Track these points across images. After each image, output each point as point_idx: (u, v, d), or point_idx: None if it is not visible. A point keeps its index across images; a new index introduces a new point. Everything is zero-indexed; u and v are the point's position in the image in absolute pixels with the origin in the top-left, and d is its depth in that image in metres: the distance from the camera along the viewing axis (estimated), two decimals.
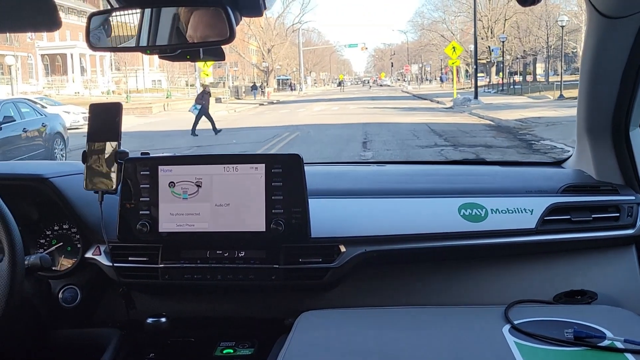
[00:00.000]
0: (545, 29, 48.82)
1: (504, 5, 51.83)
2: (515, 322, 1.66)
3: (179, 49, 1.62)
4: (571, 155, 2.59)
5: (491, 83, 49.38)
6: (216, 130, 20.96)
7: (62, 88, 49.33)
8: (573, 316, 1.69)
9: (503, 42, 42.50)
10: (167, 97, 45.23)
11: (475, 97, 30.96)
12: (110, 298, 2.31)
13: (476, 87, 32.41)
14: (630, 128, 2.19)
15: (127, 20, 1.61)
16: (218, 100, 44.53)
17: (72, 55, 52.83)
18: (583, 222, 2.16)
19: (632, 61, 1.98)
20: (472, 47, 42.16)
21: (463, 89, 43.47)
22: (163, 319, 2.11)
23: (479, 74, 63.22)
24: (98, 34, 1.62)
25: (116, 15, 1.63)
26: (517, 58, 47.16)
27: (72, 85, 51.38)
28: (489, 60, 55.13)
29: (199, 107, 21.96)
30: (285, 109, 36.45)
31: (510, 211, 2.16)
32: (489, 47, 53.65)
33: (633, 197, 2.19)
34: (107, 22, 1.63)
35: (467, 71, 56.97)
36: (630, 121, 2.17)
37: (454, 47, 33.64)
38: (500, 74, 48.80)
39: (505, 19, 52.02)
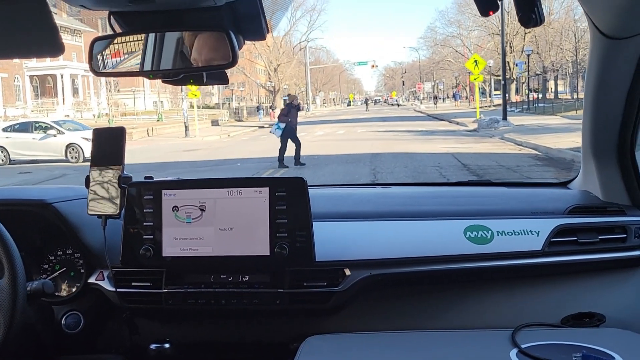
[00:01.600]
0: (573, 41, 43.15)
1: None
2: (523, 346, 1.66)
3: (181, 73, 1.62)
4: (577, 176, 2.58)
5: (511, 101, 43.85)
6: (299, 161, 16.60)
7: (52, 111, 47.40)
8: (581, 339, 1.70)
9: (529, 55, 37.29)
10: (158, 120, 40.19)
11: (504, 117, 25.58)
12: (114, 324, 2.32)
13: (505, 106, 27.72)
14: (636, 148, 2.20)
15: (131, 45, 1.61)
16: (215, 123, 42.54)
17: (62, 75, 50.79)
18: (590, 243, 2.15)
19: (636, 82, 2.00)
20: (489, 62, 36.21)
21: (481, 107, 38.34)
22: (167, 345, 2.12)
23: (494, 92, 57.68)
24: (101, 59, 1.62)
25: (119, 40, 1.63)
26: (537, 74, 41.35)
27: (63, 107, 48.95)
28: (508, 76, 49.60)
29: (283, 126, 17.07)
30: None
31: (517, 233, 2.15)
32: (508, 62, 48.06)
33: None
34: (110, 47, 1.63)
35: (482, 88, 51.25)
36: (635, 141, 2.18)
37: (476, 61, 28.08)
38: (525, 90, 43.33)
39: (525, 32, 46.85)
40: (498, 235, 2.16)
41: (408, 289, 2.24)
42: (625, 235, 2.18)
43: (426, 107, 63.75)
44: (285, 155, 16.63)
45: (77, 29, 54.41)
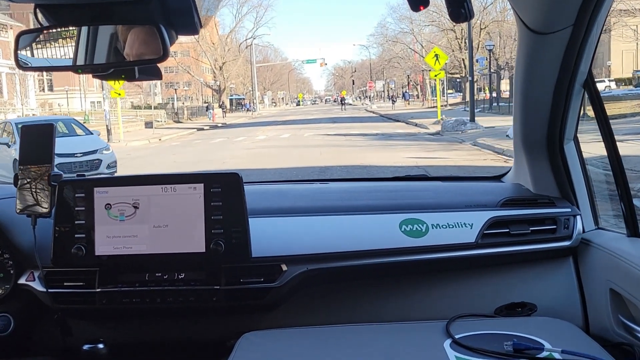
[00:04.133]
0: None
1: (479, 11, 42.81)
2: (457, 337, 1.73)
3: (111, 68, 1.59)
4: (510, 169, 2.66)
5: (466, 100, 40.39)
6: None
7: None
8: (513, 329, 1.77)
9: (490, 50, 33.48)
10: (84, 122, 34.89)
11: (472, 119, 21.26)
12: (45, 325, 2.29)
13: (472, 106, 23.88)
14: (565, 142, 2.25)
15: (59, 39, 1.56)
16: (148, 125, 38.85)
17: None
18: (521, 235, 2.22)
19: (562, 76, 2.06)
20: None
21: (434, 107, 38.89)
22: (101, 345, 2.08)
23: (448, 91, 53.74)
24: (27, 53, 1.57)
25: (47, 34, 1.59)
26: (492, 72, 38.16)
27: None
28: (462, 75, 46.38)
29: None
30: (223, 137, 29.76)
31: (451, 226, 2.20)
32: (463, 59, 44.81)
33: (569, 210, 2.26)
34: (38, 41, 1.58)
35: (434, 87, 48.15)
36: (564, 135, 2.23)
37: (436, 55, 24.02)
38: (480, 89, 39.49)
39: (481, 28, 43.01)
40: (433, 228, 2.20)
41: (344, 283, 2.27)
42: (555, 227, 2.24)
43: (378, 107, 59.71)
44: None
45: (2, 23, 49.65)
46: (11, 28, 49.91)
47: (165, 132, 34.88)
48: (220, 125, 42.77)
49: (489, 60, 37.97)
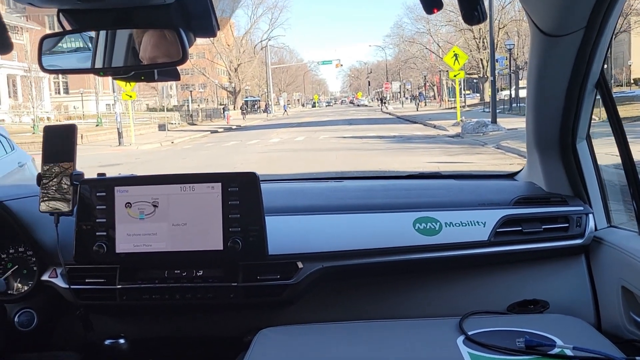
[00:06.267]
0: None
1: (497, 11, 41.76)
2: (470, 333, 1.75)
3: (132, 71, 1.63)
4: (523, 168, 2.68)
5: (485, 101, 40.05)
6: None
7: None
8: (525, 325, 1.79)
9: (510, 50, 32.58)
10: (97, 125, 34.72)
11: (493, 120, 20.35)
12: (68, 321, 2.37)
13: (494, 106, 22.34)
14: (577, 141, 2.28)
15: (81, 42, 1.62)
16: (162, 127, 38.01)
17: None
18: (534, 233, 2.24)
19: (575, 77, 2.09)
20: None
21: (453, 108, 37.35)
22: (122, 340, 2.15)
23: (466, 92, 52.56)
24: (51, 56, 1.61)
25: (69, 38, 1.65)
26: (513, 72, 37.46)
27: None
28: (480, 75, 45.31)
29: None
30: (236, 139, 28.91)
31: (464, 224, 2.22)
32: (481, 59, 43.69)
33: (581, 208, 2.29)
34: (60, 44, 1.64)
35: (451, 87, 47.47)
36: (576, 134, 2.26)
37: (456, 55, 23.09)
38: (500, 89, 38.54)
39: (500, 27, 41.92)
40: (446, 226, 2.21)
41: (359, 280, 2.30)
42: (567, 225, 2.25)
43: (394, 109, 58.63)
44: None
45: (17, 26, 49.68)
46: (26, 31, 49.61)
47: (178, 134, 34.31)
48: (234, 127, 42.31)
49: (509, 59, 36.79)
